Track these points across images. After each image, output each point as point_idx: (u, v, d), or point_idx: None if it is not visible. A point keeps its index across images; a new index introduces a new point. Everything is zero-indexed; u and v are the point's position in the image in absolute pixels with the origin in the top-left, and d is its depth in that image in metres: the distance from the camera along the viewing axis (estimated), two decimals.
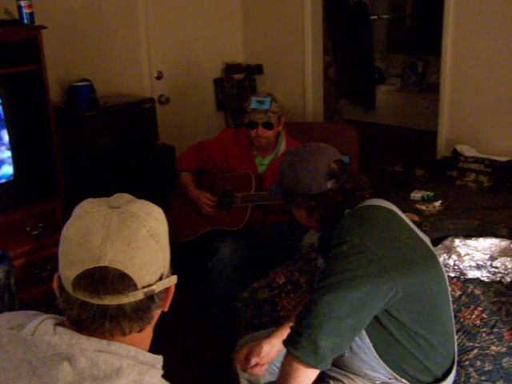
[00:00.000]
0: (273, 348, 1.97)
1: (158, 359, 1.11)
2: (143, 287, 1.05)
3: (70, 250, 1.06)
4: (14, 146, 2.98)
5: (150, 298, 1.07)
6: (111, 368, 1.01)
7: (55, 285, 1.10)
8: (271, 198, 2.98)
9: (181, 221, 3.34)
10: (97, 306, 1.03)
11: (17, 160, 3.00)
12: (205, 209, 3.23)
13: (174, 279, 1.13)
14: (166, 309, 1.14)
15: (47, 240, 3.11)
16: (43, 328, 1.06)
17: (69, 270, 1.05)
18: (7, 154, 2.97)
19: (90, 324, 1.05)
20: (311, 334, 1.61)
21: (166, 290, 1.12)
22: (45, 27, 3.02)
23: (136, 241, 1.05)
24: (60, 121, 3.34)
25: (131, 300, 1.04)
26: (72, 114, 3.60)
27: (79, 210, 1.09)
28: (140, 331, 1.09)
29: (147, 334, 1.13)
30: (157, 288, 1.07)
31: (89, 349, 1.02)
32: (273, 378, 2.00)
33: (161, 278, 1.09)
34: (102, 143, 3.56)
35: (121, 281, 1.03)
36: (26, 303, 2.74)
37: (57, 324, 1.07)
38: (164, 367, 1.12)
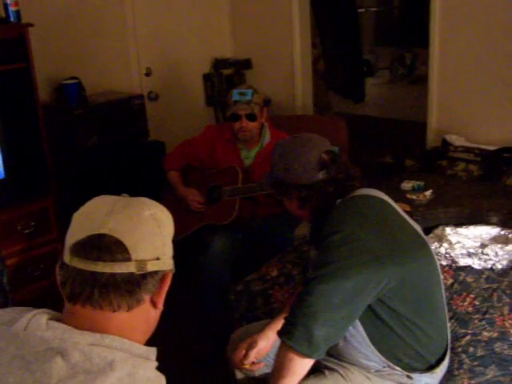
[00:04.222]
0: (268, 341, 1.98)
1: (152, 351, 1.11)
2: (136, 261, 1.07)
3: (75, 223, 1.11)
4: (3, 144, 2.97)
5: (143, 275, 1.08)
6: (104, 361, 1.01)
7: (57, 270, 1.11)
8: (260, 189, 2.98)
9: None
10: (89, 273, 1.05)
11: (7, 159, 2.99)
12: (193, 205, 3.24)
13: (169, 265, 1.14)
14: (159, 305, 1.15)
15: (39, 239, 3.10)
16: (35, 323, 1.06)
17: (71, 238, 1.09)
18: None
19: (80, 294, 1.06)
20: (305, 323, 1.62)
21: (161, 281, 1.13)
22: (32, 25, 2.99)
23: (138, 217, 1.10)
24: (49, 119, 3.33)
25: (123, 271, 1.06)
26: (61, 112, 3.59)
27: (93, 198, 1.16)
28: (128, 310, 1.09)
29: (138, 320, 1.12)
30: (150, 266, 1.09)
31: (81, 342, 1.02)
32: (268, 370, 2.01)
33: (157, 260, 1.11)
34: (93, 141, 3.55)
35: (115, 248, 1.06)
36: (19, 302, 2.74)
37: (50, 319, 1.07)
38: (158, 360, 1.12)
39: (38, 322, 1.06)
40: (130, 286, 1.07)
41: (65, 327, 1.05)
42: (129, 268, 1.06)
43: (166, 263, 1.13)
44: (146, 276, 1.09)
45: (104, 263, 1.05)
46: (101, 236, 1.06)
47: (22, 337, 1.04)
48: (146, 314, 1.14)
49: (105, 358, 1.02)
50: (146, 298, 1.11)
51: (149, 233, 1.10)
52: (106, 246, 1.05)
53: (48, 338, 1.03)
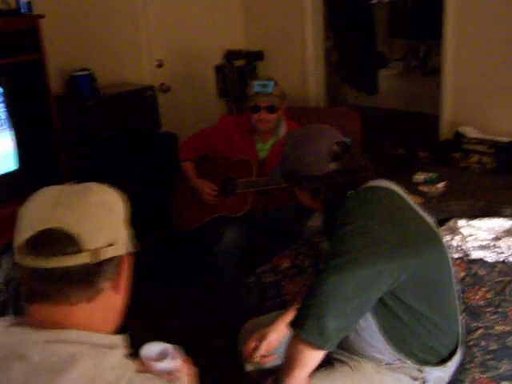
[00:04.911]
0: (279, 333, 1.98)
1: (117, 338, 1.10)
2: (90, 250, 1.05)
3: (22, 219, 1.07)
4: (16, 136, 2.98)
5: (98, 264, 1.06)
6: (64, 357, 0.99)
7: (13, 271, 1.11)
8: (273, 182, 2.98)
9: (185, 210, 3.35)
10: (44, 270, 1.03)
11: (20, 150, 3.01)
12: (207, 198, 3.24)
13: (124, 249, 1.12)
14: (120, 290, 1.13)
15: None
16: None
17: (19, 236, 1.06)
18: (10, 144, 2.97)
19: (37, 293, 1.05)
20: (317, 314, 1.61)
21: (119, 266, 1.11)
22: (43, 16, 3.00)
23: (85, 205, 1.07)
24: (62, 110, 3.34)
25: (78, 263, 1.03)
26: (73, 103, 3.59)
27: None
28: (88, 302, 1.07)
29: (100, 309, 1.10)
30: (104, 254, 1.06)
31: (39, 341, 1.01)
32: (279, 362, 2.01)
33: (111, 246, 1.09)
34: (104, 132, 3.56)
35: (66, 241, 1.03)
36: None
37: (11, 325, 1.06)
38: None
39: None
40: (87, 277, 1.05)
41: (22, 330, 1.04)
42: (83, 259, 1.04)
43: (121, 247, 1.11)
44: (101, 264, 1.06)
45: (56, 258, 1.02)
46: (50, 231, 1.03)
47: None
48: (109, 301, 1.12)
49: (63, 353, 1.00)
50: (106, 285, 1.09)
51: (99, 220, 1.07)
52: (55, 241, 1.03)
53: (6, 344, 1.02)
